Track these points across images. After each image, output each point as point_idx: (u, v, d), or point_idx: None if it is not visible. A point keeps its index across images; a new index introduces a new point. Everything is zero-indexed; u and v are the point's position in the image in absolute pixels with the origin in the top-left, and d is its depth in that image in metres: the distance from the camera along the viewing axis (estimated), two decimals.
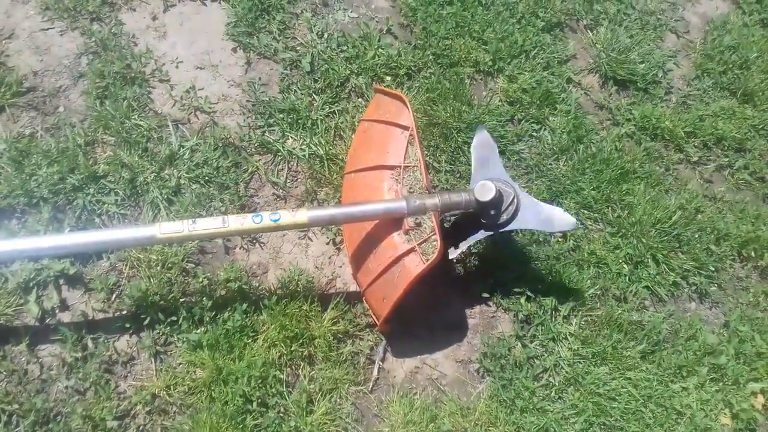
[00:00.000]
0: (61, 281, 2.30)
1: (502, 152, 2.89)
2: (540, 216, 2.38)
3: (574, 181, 2.89)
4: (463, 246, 2.38)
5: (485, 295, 2.61)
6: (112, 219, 2.45)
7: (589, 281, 2.68)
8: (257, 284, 2.47)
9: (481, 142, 2.49)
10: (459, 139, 2.84)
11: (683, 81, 3.44)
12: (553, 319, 2.59)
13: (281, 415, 2.24)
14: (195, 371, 2.25)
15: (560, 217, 2.39)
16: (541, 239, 2.74)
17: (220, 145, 2.64)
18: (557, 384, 2.49)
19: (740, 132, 3.28)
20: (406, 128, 2.36)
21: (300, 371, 2.34)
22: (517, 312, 2.59)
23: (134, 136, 2.56)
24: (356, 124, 2.76)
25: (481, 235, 2.38)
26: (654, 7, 3.61)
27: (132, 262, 2.37)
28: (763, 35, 3.66)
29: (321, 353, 2.36)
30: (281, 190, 2.66)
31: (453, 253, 2.38)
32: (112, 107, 2.59)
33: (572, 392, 2.48)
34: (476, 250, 2.67)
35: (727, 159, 3.24)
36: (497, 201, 2.28)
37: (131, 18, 2.85)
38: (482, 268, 2.65)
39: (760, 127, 3.34)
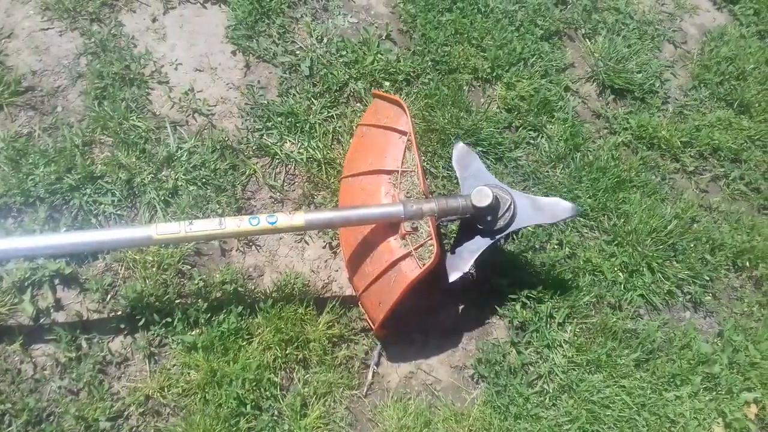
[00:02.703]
0: (56, 281, 2.29)
1: (499, 159, 2.91)
2: (539, 210, 2.38)
3: (571, 189, 2.90)
4: (466, 267, 2.36)
5: (481, 300, 2.61)
6: (109, 219, 2.44)
7: (584, 289, 2.69)
8: (253, 287, 2.47)
9: (461, 154, 2.52)
10: None
11: (680, 91, 3.46)
12: (548, 326, 2.59)
13: (275, 418, 2.24)
14: (189, 373, 2.24)
15: (559, 206, 2.39)
16: (537, 246, 2.75)
17: (218, 147, 2.64)
18: (551, 391, 2.49)
19: (736, 143, 3.30)
20: (404, 133, 2.37)
21: (294, 374, 2.33)
22: (512, 318, 2.59)
23: (132, 137, 2.56)
24: (354, 128, 2.76)
25: (482, 247, 2.36)
26: (652, 17, 3.63)
27: (128, 262, 2.36)
28: (759, 47, 3.69)
29: (316, 357, 2.35)
30: (278, 193, 2.66)
31: (454, 276, 2.36)
32: (110, 108, 2.59)
33: (566, 399, 2.49)
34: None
35: (723, 169, 3.26)
36: (494, 207, 2.29)
37: (131, 19, 2.85)
38: (478, 274, 2.65)
39: (756, 138, 3.36)
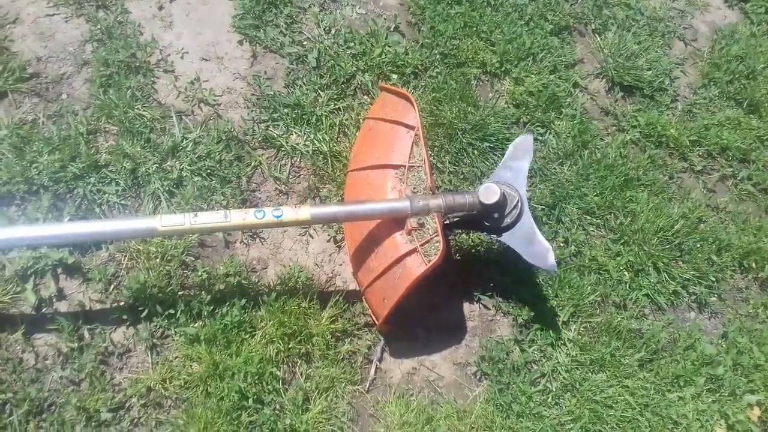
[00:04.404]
0: (59, 270, 2.28)
1: None
2: (517, 160, 2.40)
3: (578, 187, 2.88)
4: (548, 244, 2.30)
5: (485, 298, 2.60)
6: (113, 209, 2.43)
7: (589, 287, 2.67)
8: (256, 280, 2.45)
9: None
10: (464, 140, 2.83)
11: (689, 89, 3.43)
12: (553, 324, 2.58)
13: (277, 412, 2.23)
14: (191, 365, 2.23)
15: (519, 144, 2.43)
16: None
17: (224, 138, 2.62)
18: (554, 390, 2.48)
19: (745, 142, 3.27)
20: (411, 128, 2.35)
21: (297, 369, 2.32)
22: (516, 316, 2.58)
23: (137, 126, 2.54)
24: (361, 121, 2.74)
25: (532, 223, 2.33)
26: (662, 14, 3.60)
27: (131, 253, 2.35)
28: None
29: (318, 351, 2.34)
30: (283, 186, 2.64)
31: (551, 257, 2.28)
32: (115, 96, 2.57)
33: (569, 398, 2.47)
34: (478, 253, 2.66)
35: (731, 169, 3.23)
36: (501, 204, 2.27)
37: (137, 7, 2.83)
38: (482, 271, 2.63)
39: (765, 138, 3.34)
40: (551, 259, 2.28)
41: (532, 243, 2.33)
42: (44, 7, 2.71)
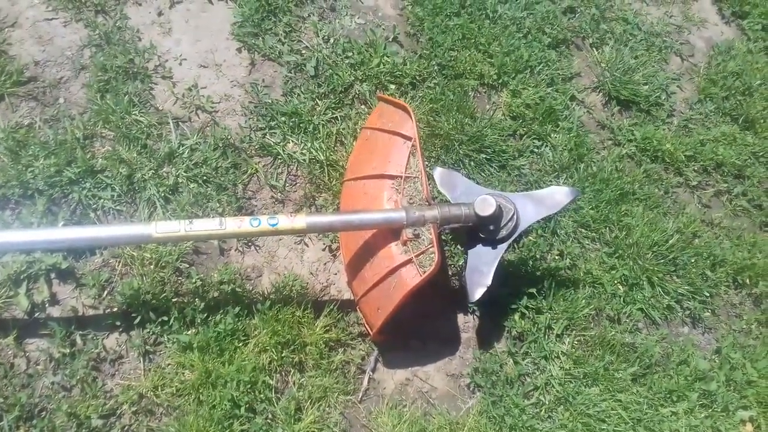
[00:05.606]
0: (53, 275, 2.26)
1: (503, 166, 2.90)
2: (540, 203, 2.39)
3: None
4: (488, 281, 2.32)
5: (479, 309, 2.60)
6: (108, 214, 2.42)
7: (583, 301, 2.67)
8: (251, 288, 2.44)
9: (443, 178, 2.51)
10: (460, 152, 2.83)
11: (686, 104, 3.44)
12: (546, 337, 2.57)
13: (269, 421, 2.22)
14: (184, 373, 2.22)
15: (558, 193, 2.42)
16: (537, 256, 2.74)
17: (220, 145, 2.62)
18: (547, 403, 2.47)
19: (740, 158, 3.29)
20: (408, 138, 2.35)
21: (290, 378, 2.32)
22: (510, 328, 2.58)
23: (134, 131, 2.54)
24: (358, 131, 2.74)
25: (497, 257, 2.34)
26: (660, 29, 3.62)
27: (125, 259, 2.34)
28: (767, 63, 3.68)
29: (312, 361, 2.33)
30: (279, 194, 2.64)
31: (479, 293, 2.32)
32: (112, 101, 2.57)
33: (562, 412, 2.47)
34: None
35: (726, 185, 3.24)
36: (497, 216, 2.27)
37: (137, 12, 2.82)
38: None
39: (760, 154, 3.35)
40: (477, 294, 2.32)
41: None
42: (43, 12, 2.70)
